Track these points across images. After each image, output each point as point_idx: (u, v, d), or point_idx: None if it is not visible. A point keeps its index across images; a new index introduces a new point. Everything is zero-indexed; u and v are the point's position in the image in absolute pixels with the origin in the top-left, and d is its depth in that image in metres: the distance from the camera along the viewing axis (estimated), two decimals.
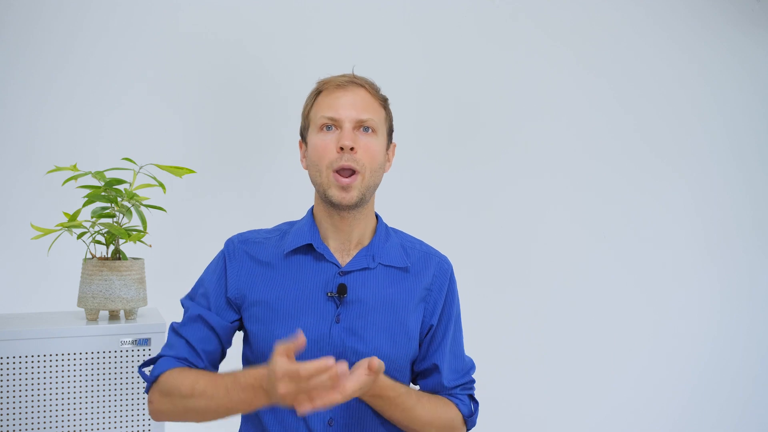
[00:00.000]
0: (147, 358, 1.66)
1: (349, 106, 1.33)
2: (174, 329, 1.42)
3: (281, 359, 1.13)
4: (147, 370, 1.44)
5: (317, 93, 1.38)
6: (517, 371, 2.94)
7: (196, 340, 1.39)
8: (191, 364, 1.38)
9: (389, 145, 1.43)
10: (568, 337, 3.00)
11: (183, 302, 1.45)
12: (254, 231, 1.47)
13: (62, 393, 1.61)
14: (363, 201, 1.35)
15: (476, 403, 1.49)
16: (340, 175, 1.32)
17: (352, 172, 1.32)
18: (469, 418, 1.46)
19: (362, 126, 1.34)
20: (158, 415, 1.35)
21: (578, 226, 3.02)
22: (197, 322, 1.40)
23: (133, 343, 1.65)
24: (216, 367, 1.43)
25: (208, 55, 2.58)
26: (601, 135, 3.06)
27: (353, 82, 1.36)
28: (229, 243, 1.45)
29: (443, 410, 1.42)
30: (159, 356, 1.40)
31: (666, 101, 3.14)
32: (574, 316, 3.01)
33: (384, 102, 1.40)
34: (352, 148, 1.31)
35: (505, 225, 2.94)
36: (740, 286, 3.24)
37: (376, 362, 1.20)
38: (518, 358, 2.94)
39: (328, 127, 1.34)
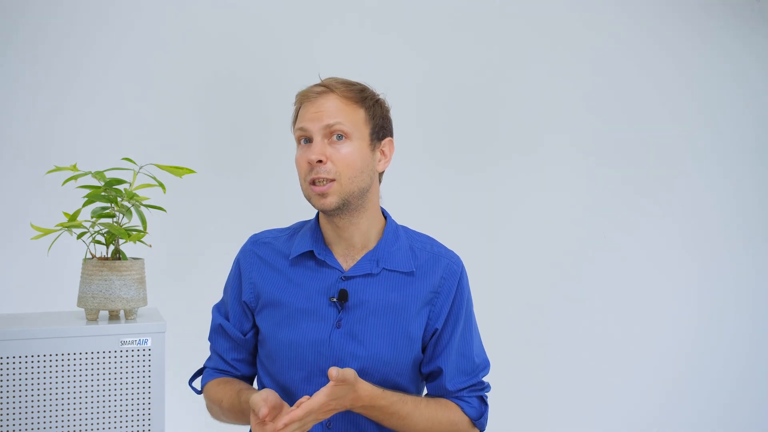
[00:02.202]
0: (147, 356, 1.67)
1: (315, 118, 1.34)
2: (209, 340, 1.54)
3: (259, 402, 1.20)
4: (197, 382, 1.56)
5: (297, 108, 1.41)
6: (517, 372, 2.94)
7: (224, 352, 1.49)
8: (228, 374, 1.50)
9: (379, 143, 1.41)
10: (568, 338, 3.00)
11: (212, 310, 1.54)
12: (268, 231, 1.51)
13: (62, 393, 1.60)
14: (347, 205, 1.36)
15: (486, 405, 1.47)
16: (316, 185, 1.34)
17: (327, 181, 1.34)
18: (477, 421, 1.45)
19: (334, 134, 1.34)
20: (214, 419, 1.51)
21: (578, 225, 3.02)
22: (220, 334, 1.50)
23: (132, 342, 1.64)
24: (255, 366, 1.52)
25: (210, 53, 2.58)
26: (601, 136, 3.05)
27: (325, 90, 1.36)
28: (244, 247, 1.51)
29: (444, 415, 1.40)
30: (204, 367, 1.53)
31: (666, 100, 3.14)
32: (574, 316, 3.01)
33: (362, 101, 1.38)
34: (320, 161, 1.32)
35: (503, 226, 2.94)
36: (743, 286, 3.24)
37: (335, 371, 1.20)
38: (518, 359, 2.94)
39: (305, 141, 1.37)
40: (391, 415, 1.33)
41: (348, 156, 1.35)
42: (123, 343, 1.63)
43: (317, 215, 1.47)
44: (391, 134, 1.46)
